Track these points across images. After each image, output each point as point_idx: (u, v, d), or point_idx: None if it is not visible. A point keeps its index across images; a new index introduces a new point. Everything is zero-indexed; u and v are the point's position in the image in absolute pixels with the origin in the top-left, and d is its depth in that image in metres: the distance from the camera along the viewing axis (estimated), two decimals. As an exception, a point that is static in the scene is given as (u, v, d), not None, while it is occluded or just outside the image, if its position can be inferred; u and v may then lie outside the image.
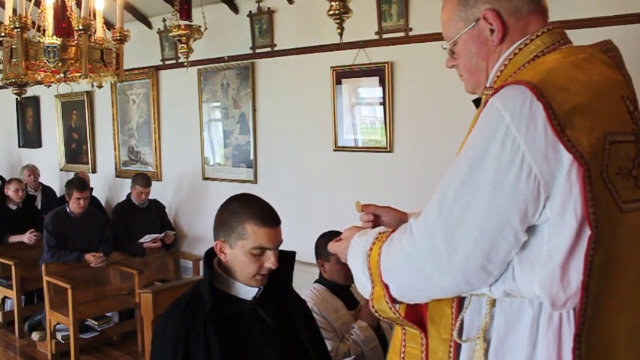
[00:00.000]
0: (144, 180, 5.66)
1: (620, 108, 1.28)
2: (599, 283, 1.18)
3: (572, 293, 1.19)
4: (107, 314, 5.04)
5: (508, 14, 1.35)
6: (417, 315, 1.43)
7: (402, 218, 1.56)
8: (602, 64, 1.32)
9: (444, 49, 1.47)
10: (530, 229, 1.21)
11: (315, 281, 3.07)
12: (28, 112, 7.94)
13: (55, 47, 2.61)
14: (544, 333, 1.23)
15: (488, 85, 1.40)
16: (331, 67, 4.59)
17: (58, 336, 4.82)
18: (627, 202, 1.22)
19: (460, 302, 1.35)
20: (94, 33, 2.81)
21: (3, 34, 2.66)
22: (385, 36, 4.31)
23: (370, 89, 4.45)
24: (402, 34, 4.22)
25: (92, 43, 2.74)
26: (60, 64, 2.60)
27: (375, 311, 1.42)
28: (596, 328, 1.20)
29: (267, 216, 1.87)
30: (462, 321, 1.34)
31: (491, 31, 1.36)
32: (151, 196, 5.75)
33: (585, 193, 1.14)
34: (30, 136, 8.01)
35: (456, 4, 1.40)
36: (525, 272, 1.22)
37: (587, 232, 1.16)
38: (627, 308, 1.25)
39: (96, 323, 4.93)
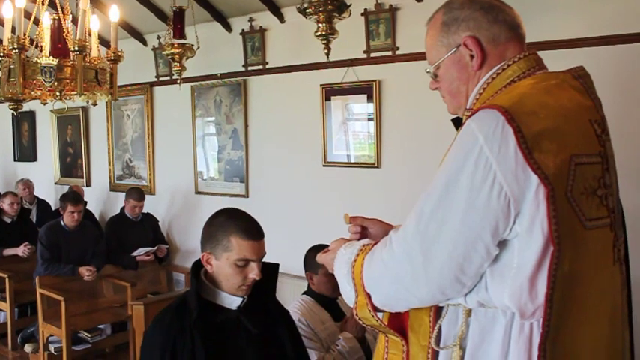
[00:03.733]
0: (137, 194, 5.73)
1: (587, 131, 1.36)
2: (563, 296, 1.25)
3: (539, 304, 1.26)
4: (100, 326, 5.05)
5: (487, 41, 1.44)
6: (398, 323, 1.51)
7: (388, 230, 1.61)
8: (573, 89, 1.40)
9: (428, 72, 1.56)
10: (502, 244, 1.28)
11: (303, 293, 3.13)
12: (23, 126, 8.01)
13: (52, 67, 2.70)
14: (515, 341, 1.30)
15: (468, 107, 1.48)
16: (321, 85, 4.69)
17: (51, 348, 4.83)
18: (591, 220, 1.30)
19: (438, 311, 1.42)
20: (89, 53, 2.91)
21: (2, 54, 2.76)
22: (373, 55, 4.41)
23: (359, 106, 4.55)
24: (390, 53, 4.33)
25: (87, 63, 2.84)
26: (56, 84, 2.70)
27: (359, 319, 1.50)
28: (560, 338, 1.27)
29: (251, 229, 1.96)
30: (440, 329, 1.41)
31: (471, 56, 1.45)
32: (144, 210, 5.81)
33: (549, 211, 1.22)
34: (25, 150, 8.06)
35: (439, 31, 1.49)
36: (496, 284, 1.30)
37: (552, 247, 1.23)
38: (591, 320, 1.32)
39: (88, 335, 4.94)
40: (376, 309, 1.45)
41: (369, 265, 1.42)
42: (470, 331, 1.37)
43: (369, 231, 1.67)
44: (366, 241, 1.55)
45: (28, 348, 5.16)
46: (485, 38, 1.44)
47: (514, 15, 1.48)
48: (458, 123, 1.54)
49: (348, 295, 1.50)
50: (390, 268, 1.37)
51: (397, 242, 1.37)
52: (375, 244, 1.46)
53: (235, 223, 1.95)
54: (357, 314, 1.49)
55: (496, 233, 1.26)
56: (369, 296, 1.43)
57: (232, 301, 1.99)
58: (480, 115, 1.28)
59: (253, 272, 1.94)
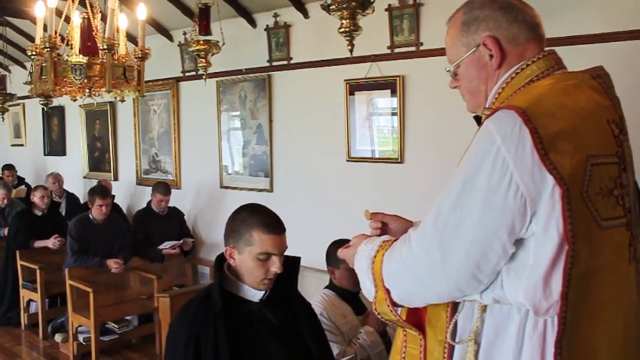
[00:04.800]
0: (164, 188, 5.82)
1: (604, 132, 1.37)
2: (579, 294, 1.27)
3: (553, 301, 1.28)
4: (127, 317, 5.17)
5: (506, 41, 1.45)
6: (416, 318, 1.53)
7: (408, 226, 1.65)
8: (591, 90, 1.41)
9: (448, 71, 1.58)
10: (519, 242, 1.30)
11: (325, 287, 3.17)
12: (53, 121, 8.18)
13: (82, 66, 2.78)
14: (529, 338, 1.32)
15: (487, 106, 1.50)
16: (345, 80, 4.71)
17: (80, 338, 4.95)
18: (607, 220, 1.31)
19: (454, 307, 1.45)
20: (118, 50, 2.98)
21: (34, 53, 2.85)
22: (397, 50, 4.42)
23: (383, 101, 4.57)
24: (413, 48, 4.33)
25: (115, 61, 2.91)
26: (86, 81, 2.78)
27: (378, 313, 1.53)
28: (576, 335, 1.29)
29: (273, 224, 2.00)
30: (456, 324, 1.44)
31: (491, 56, 1.46)
32: (170, 204, 5.90)
33: (564, 211, 1.24)
34: (55, 145, 8.24)
35: (459, 30, 1.50)
36: (512, 281, 1.32)
37: (567, 246, 1.25)
38: (607, 319, 1.34)
39: (116, 326, 5.06)
40: (395, 304, 1.47)
41: (388, 261, 1.45)
42: (485, 326, 1.39)
43: (389, 227, 1.69)
44: (386, 237, 1.57)
45: (58, 338, 5.31)
46: (505, 38, 1.45)
47: (533, 15, 1.49)
48: (480, 120, 1.54)
49: (367, 290, 1.53)
50: (408, 264, 1.40)
51: (416, 240, 1.39)
52: (395, 240, 1.48)
53: (257, 218, 1.99)
54: (375, 309, 1.52)
55: (512, 232, 1.28)
56: (388, 292, 1.46)
57: (255, 294, 2.04)
58: (498, 116, 1.30)
59: (275, 266, 1.99)
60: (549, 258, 1.27)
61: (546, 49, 1.49)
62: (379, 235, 1.63)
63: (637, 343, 1.43)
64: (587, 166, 1.29)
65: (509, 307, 1.36)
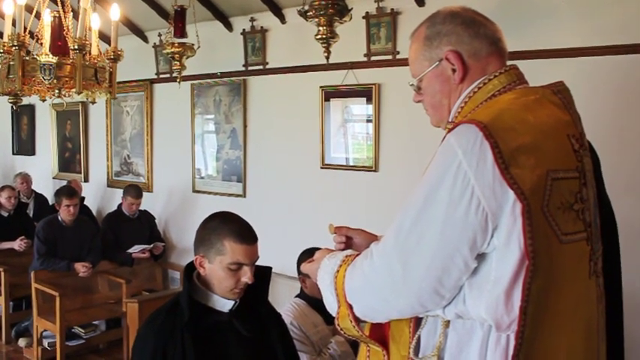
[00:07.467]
0: (135, 191, 5.74)
1: (565, 147, 1.38)
2: (537, 308, 1.27)
3: (515, 317, 1.27)
4: (94, 322, 5.10)
5: (468, 55, 1.46)
6: (380, 333, 1.53)
7: (372, 240, 1.63)
8: (552, 105, 1.42)
9: (411, 85, 1.57)
10: (481, 257, 1.30)
11: (296, 296, 3.14)
12: (23, 119, 8.01)
13: (51, 65, 2.71)
14: (492, 353, 1.31)
15: (450, 120, 1.50)
16: (320, 87, 4.70)
17: (45, 343, 4.87)
18: (567, 234, 1.32)
19: (417, 322, 1.44)
20: (89, 51, 2.91)
21: (1, 51, 2.77)
22: (373, 58, 4.43)
23: (357, 109, 4.56)
24: (390, 56, 4.34)
25: (86, 62, 2.84)
26: (55, 81, 2.71)
27: (341, 329, 1.52)
28: (534, 350, 1.29)
29: (245, 234, 1.97)
30: (419, 339, 1.43)
31: (453, 70, 1.46)
32: (141, 207, 5.81)
33: (524, 226, 1.24)
34: (24, 144, 8.07)
35: (422, 45, 1.50)
36: (474, 296, 1.31)
37: (527, 261, 1.25)
38: (565, 332, 1.34)
39: (82, 331, 4.99)
40: (357, 320, 1.47)
41: (350, 276, 1.44)
42: (448, 341, 1.39)
43: (353, 241, 1.69)
44: (349, 252, 1.57)
45: (21, 342, 5.20)
46: (467, 52, 1.46)
47: (495, 29, 1.50)
48: None
49: (330, 305, 1.52)
50: (370, 279, 1.40)
51: (377, 254, 1.39)
52: (358, 255, 1.48)
53: (229, 227, 1.96)
54: (338, 324, 1.51)
55: (474, 247, 1.28)
56: (350, 307, 1.45)
57: (224, 304, 2.01)
58: (459, 130, 1.30)
59: (246, 276, 1.96)
60: (511, 272, 1.26)
61: (508, 63, 1.50)
62: (343, 249, 1.63)
63: (598, 356, 1.44)
64: (548, 180, 1.29)
65: (472, 322, 1.35)
